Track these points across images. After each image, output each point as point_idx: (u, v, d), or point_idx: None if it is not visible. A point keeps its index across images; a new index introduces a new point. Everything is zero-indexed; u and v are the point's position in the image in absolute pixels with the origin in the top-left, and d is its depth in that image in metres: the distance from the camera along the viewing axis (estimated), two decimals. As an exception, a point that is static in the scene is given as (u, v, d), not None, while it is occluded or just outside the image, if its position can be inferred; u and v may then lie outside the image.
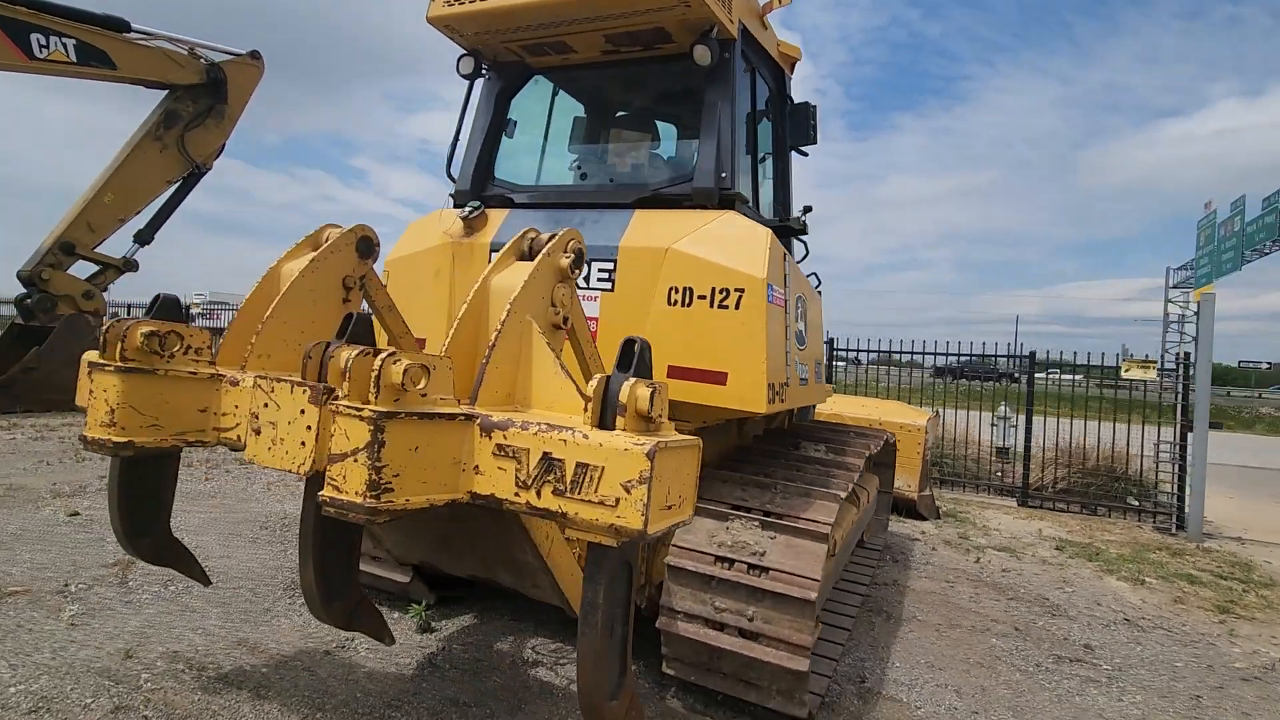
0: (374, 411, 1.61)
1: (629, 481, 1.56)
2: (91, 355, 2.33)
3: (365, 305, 2.79)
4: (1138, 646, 4.19)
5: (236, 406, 2.16)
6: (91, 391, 2.10)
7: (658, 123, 3.90)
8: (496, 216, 3.48)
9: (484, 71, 3.72)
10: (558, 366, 2.04)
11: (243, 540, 4.73)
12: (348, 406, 1.65)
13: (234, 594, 3.80)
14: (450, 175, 3.85)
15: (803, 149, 4.15)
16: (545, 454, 1.65)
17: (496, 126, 3.77)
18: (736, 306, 2.82)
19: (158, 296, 2.56)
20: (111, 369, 2.06)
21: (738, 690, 2.86)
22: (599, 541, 1.65)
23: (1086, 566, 5.93)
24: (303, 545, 2.12)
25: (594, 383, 1.69)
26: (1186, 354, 8.34)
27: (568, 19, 3.19)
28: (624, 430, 1.63)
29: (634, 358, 1.76)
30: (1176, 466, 7.98)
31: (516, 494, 1.69)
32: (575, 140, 4.04)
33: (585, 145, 3.99)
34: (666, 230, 3.03)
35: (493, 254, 3.35)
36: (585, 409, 1.68)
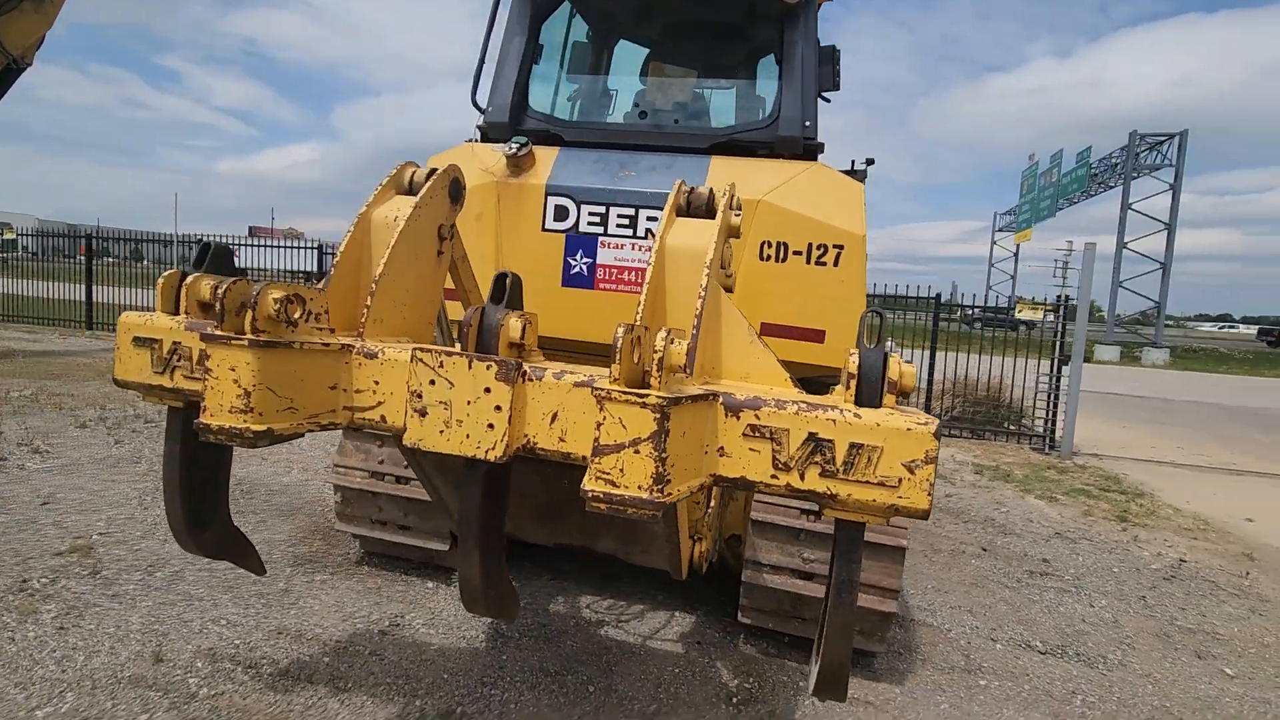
0: (660, 399, 1.45)
1: (913, 462, 1.53)
2: (163, 323, 1.93)
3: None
4: (1077, 557, 4.85)
5: (377, 383, 1.86)
6: (210, 370, 1.71)
7: (719, 61, 3.68)
8: (544, 155, 3.17)
9: None
10: (752, 334, 1.94)
11: (206, 512, 4.19)
12: (623, 393, 1.47)
13: (232, 576, 3.39)
14: (477, 104, 3.43)
15: (825, 95, 4.11)
16: (811, 434, 1.58)
17: (530, 52, 3.39)
18: (835, 264, 2.80)
19: (207, 245, 2.13)
20: (245, 343, 1.68)
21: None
22: (867, 521, 1.63)
23: (1007, 487, 6.73)
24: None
25: (852, 357, 1.63)
26: (1067, 296, 9.47)
27: None
28: (892, 407, 1.59)
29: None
30: (1051, 395, 9.16)
31: (774, 476, 1.61)
32: (620, 73, 3.73)
33: (640, 81, 3.69)
34: (753, 180, 2.91)
35: (549, 198, 3.07)
36: (847, 386, 1.62)
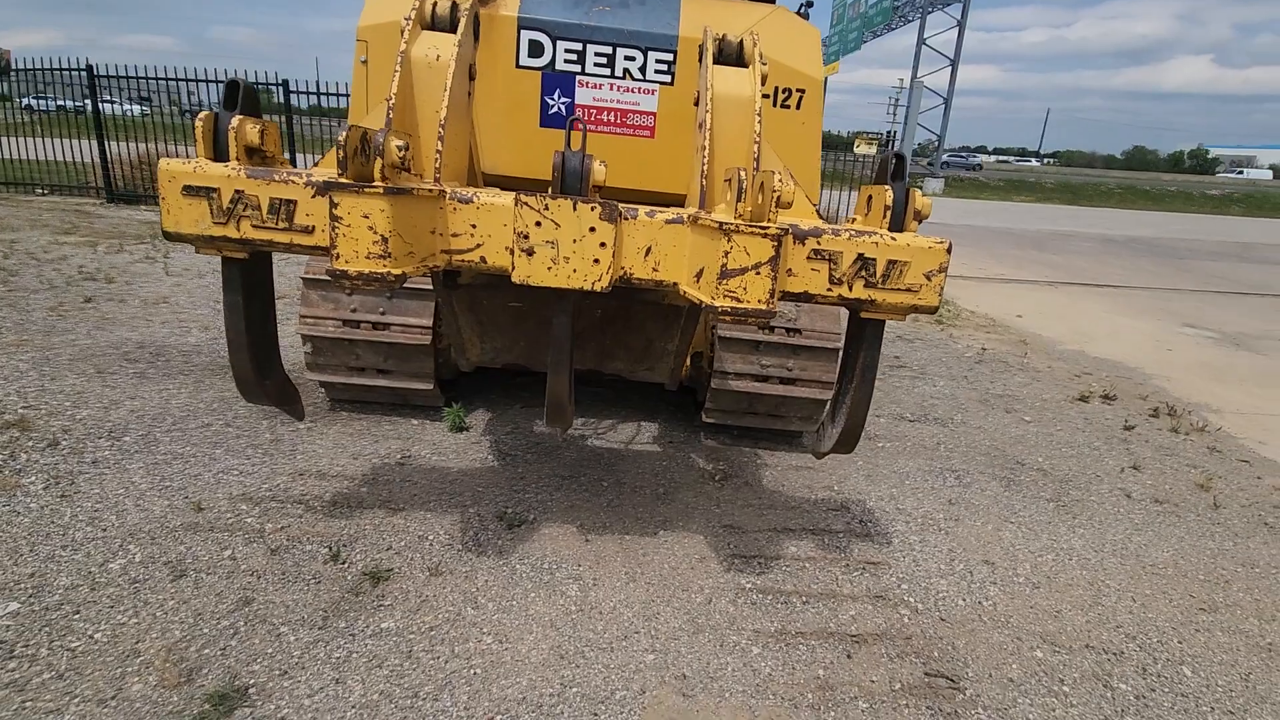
0: (779, 229, 1.79)
1: (930, 271, 2.05)
2: (217, 171, 1.87)
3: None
4: (916, 353, 6.09)
5: (474, 226, 2.00)
6: (339, 219, 1.73)
7: None
8: (509, -17, 3.06)
9: None
10: (788, 175, 2.30)
11: (129, 376, 3.91)
12: (749, 226, 1.79)
13: (210, 432, 3.35)
14: (424, -81, 3.12)
15: None
16: (860, 255, 2.02)
17: None
18: (798, 106, 3.14)
19: (235, 84, 2.02)
20: (380, 191, 1.72)
21: (768, 423, 3.73)
22: (886, 319, 2.16)
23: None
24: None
25: (884, 193, 2.07)
26: (893, 132, 10.58)
27: None
28: (913, 230, 2.08)
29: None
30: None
31: (829, 289, 2.06)
32: None
33: None
34: (724, 19, 3.06)
35: (522, 32, 3.03)
36: (884, 215, 2.07)
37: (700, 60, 2.45)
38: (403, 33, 2.23)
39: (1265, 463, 4.26)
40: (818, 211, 2.70)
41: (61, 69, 10.88)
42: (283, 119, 10.59)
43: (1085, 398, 5.15)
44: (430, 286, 3.31)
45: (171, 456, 3.10)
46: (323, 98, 10.94)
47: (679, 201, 3.07)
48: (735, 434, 3.89)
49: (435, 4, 2.31)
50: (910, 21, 38.69)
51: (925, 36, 36.66)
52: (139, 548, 2.44)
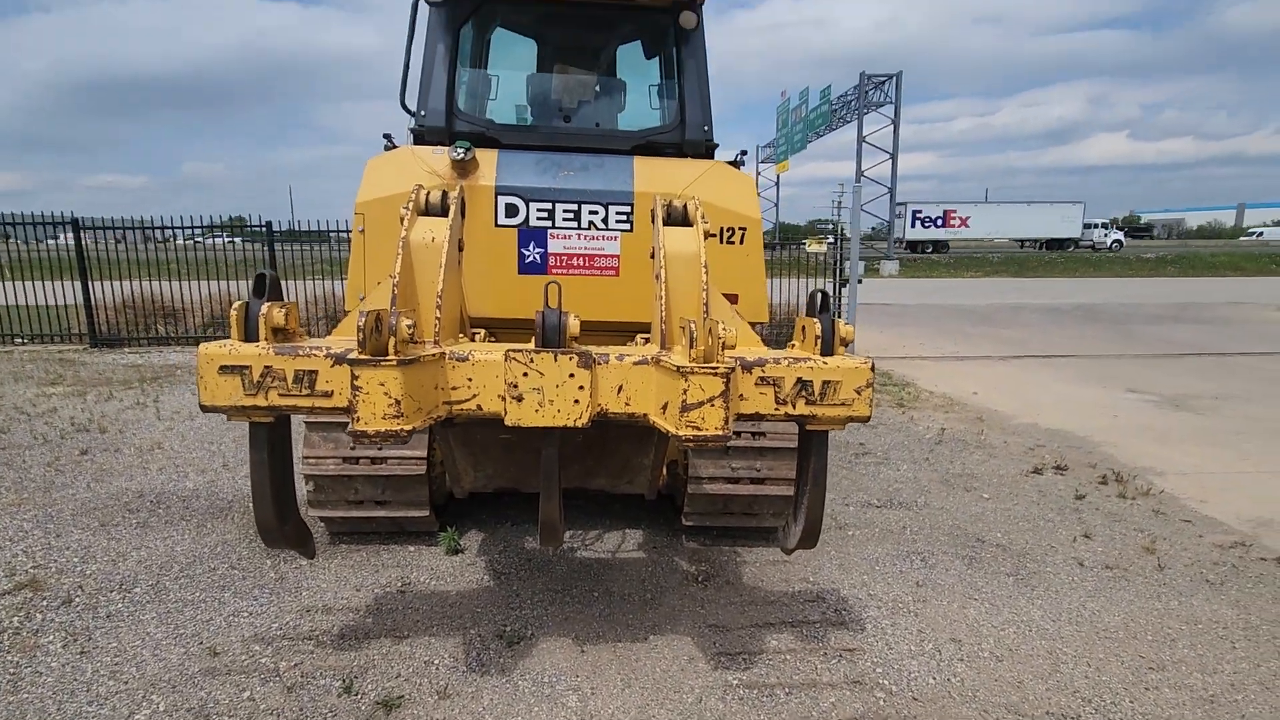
0: (727, 369, 2.16)
1: (859, 387, 2.42)
2: (249, 351, 2.20)
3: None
4: (880, 438, 6.46)
5: (470, 379, 2.34)
6: (360, 388, 2.06)
7: (626, 70, 4.19)
8: (485, 156, 3.55)
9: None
10: (734, 312, 2.70)
11: (133, 526, 4.08)
12: (702, 368, 2.15)
13: (217, 575, 3.52)
14: (406, 108, 3.67)
15: None
16: (799, 378, 2.40)
17: (455, 57, 3.68)
18: (741, 241, 3.62)
19: (263, 275, 2.40)
20: (394, 363, 2.06)
21: (744, 521, 4.00)
22: (828, 429, 2.51)
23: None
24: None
25: (814, 325, 2.47)
26: (842, 228, 11.44)
27: None
28: (841, 354, 2.47)
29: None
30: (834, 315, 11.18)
31: (776, 408, 2.41)
32: (536, 79, 4.10)
33: (555, 85, 4.09)
34: (672, 177, 3.59)
35: (499, 198, 3.51)
36: (815, 343, 2.46)
37: (653, 221, 2.91)
38: (402, 220, 2.66)
39: (1206, 521, 4.60)
40: (763, 334, 3.11)
41: (48, 222, 11.40)
42: (266, 251, 11.18)
43: (1039, 470, 5.51)
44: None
45: (182, 604, 3.25)
46: (301, 227, 11.60)
47: (644, 328, 3.48)
48: (714, 534, 4.14)
49: (428, 194, 2.75)
50: (849, 122, 41.84)
51: (865, 134, 39.58)
52: (161, 697, 2.58)
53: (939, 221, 52.22)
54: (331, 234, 11.58)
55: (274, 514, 2.44)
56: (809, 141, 45.14)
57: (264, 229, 10.96)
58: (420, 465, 3.68)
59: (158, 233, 12.96)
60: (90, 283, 10.79)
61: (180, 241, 12.81)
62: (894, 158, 38.84)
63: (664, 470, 4.00)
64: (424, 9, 3.64)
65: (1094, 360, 10.80)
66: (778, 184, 62.97)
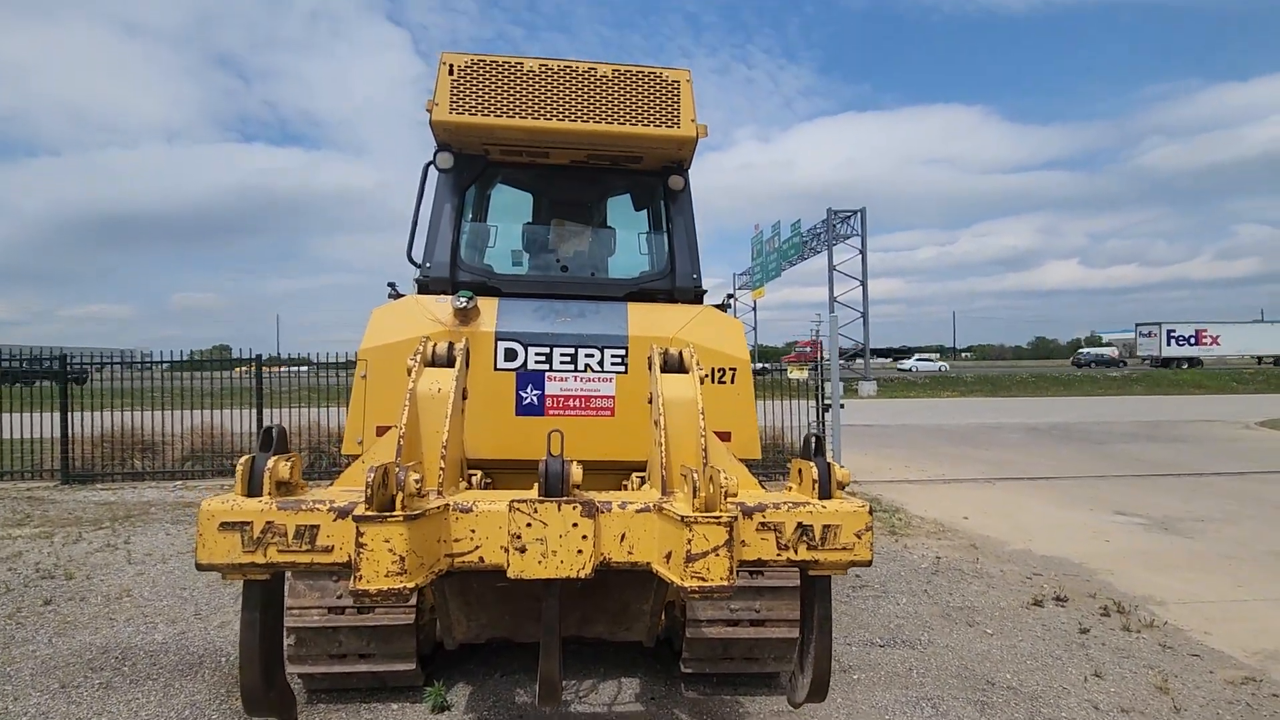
0: (730, 518, 2.19)
1: (859, 530, 2.45)
2: (251, 506, 2.20)
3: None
4: (875, 569, 6.33)
5: (474, 531, 2.33)
6: (364, 545, 2.05)
7: (621, 222, 4.52)
8: (486, 304, 3.72)
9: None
10: (730, 456, 2.77)
11: (95, 688, 3.81)
12: (705, 517, 2.18)
13: (181, 745, 3.26)
14: (413, 260, 3.88)
15: None
16: (799, 523, 2.42)
17: (461, 215, 3.95)
18: (732, 381, 3.75)
19: (270, 430, 2.44)
20: (400, 518, 2.06)
21: (745, 667, 3.84)
22: (830, 574, 2.49)
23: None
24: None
25: (810, 468, 2.53)
26: (823, 355, 11.80)
27: (579, 144, 3.66)
28: (839, 497, 2.51)
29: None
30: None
31: (778, 554, 2.41)
32: (533, 230, 4.39)
33: (551, 236, 4.37)
34: (664, 322, 3.77)
35: (499, 343, 3.64)
36: (812, 488, 2.51)
37: (650, 368, 3.03)
38: (410, 371, 2.74)
39: (1214, 655, 4.50)
40: (756, 468, 3.14)
41: (39, 360, 11.43)
42: (254, 381, 11.23)
43: (1039, 601, 5.41)
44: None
45: (144, 779, 2.99)
46: (288, 358, 11.75)
47: (638, 466, 3.51)
48: (714, 681, 3.95)
49: (435, 345, 2.87)
50: (819, 252, 44.16)
51: (835, 264, 41.66)
52: None
53: (1192, 340, 58.49)
54: (316, 363, 11.74)
55: (260, 678, 2.33)
56: (783, 270, 47.50)
57: (253, 361, 11.05)
58: (409, 614, 3.55)
59: (139, 361, 13.01)
60: (69, 414, 10.65)
61: (163, 370, 12.83)
62: (864, 284, 40.69)
63: (663, 614, 3.88)
64: (433, 172, 3.94)
65: (1077, 481, 10.89)
66: (755, 310, 65.39)
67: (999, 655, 4.46)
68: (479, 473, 3.41)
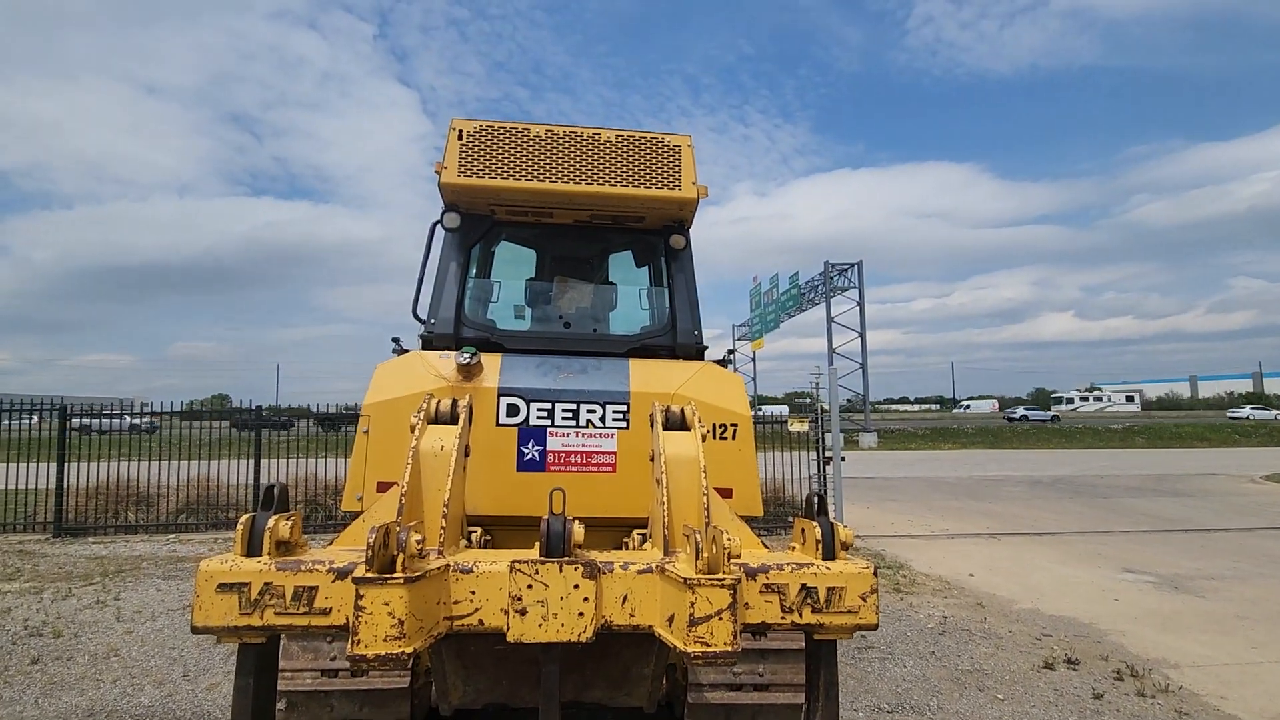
0: (734, 580, 2.16)
1: (864, 593, 2.42)
2: (250, 567, 2.17)
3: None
4: (880, 629, 6.19)
5: (474, 592, 2.30)
6: (363, 608, 2.02)
7: (623, 279, 4.61)
8: (489, 360, 3.75)
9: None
10: (733, 515, 2.75)
11: (75, 756, 3.68)
12: (709, 579, 2.15)
13: (163, 817, 3.14)
14: (418, 316, 3.94)
15: None
16: (803, 585, 2.39)
17: (465, 273, 4.02)
18: (733, 437, 3.75)
19: (272, 488, 2.44)
20: (400, 580, 2.04)
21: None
22: (837, 638, 2.45)
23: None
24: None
25: (813, 528, 2.51)
26: (823, 408, 11.79)
27: (582, 205, 3.77)
28: (843, 558, 2.49)
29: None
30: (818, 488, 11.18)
31: (783, 617, 2.37)
32: (536, 286, 4.47)
33: (554, 293, 4.45)
34: (665, 378, 3.79)
35: (501, 398, 3.65)
36: (816, 548, 2.48)
37: (652, 426, 3.04)
38: (413, 429, 2.75)
39: (1231, 720, 4.37)
40: (758, 527, 3.11)
41: (37, 409, 11.41)
42: (252, 437, 11.18)
43: (1050, 664, 5.27)
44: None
45: None
46: (284, 403, 11.70)
47: (639, 524, 3.48)
48: (718, 750, 3.82)
49: (439, 402, 2.89)
50: (817, 304, 44.58)
51: (833, 315, 42.03)
52: None
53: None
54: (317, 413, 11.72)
55: (253, 748, 2.26)
56: (781, 321, 47.86)
57: (253, 413, 11.04)
58: (404, 678, 3.46)
59: (140, 417, 12.99)
60: (65, 465, 10.58)
61: (158, 428, 12.80)
62: (862, 336, 40.93)
63: (664, 677, 3.78)
64: (440, 230, 4.03)
65: (1083, 537, 10.73)
66: (754, 360, 65.59)
67: (1010, 722, 4.32)
68: (479, 530, 3.37)
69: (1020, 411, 67.45)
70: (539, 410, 3.65)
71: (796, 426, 11.13)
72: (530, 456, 3.63)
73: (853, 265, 41.48)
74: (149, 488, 11.21)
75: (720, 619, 2.18)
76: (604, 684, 3.25)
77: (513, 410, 3.64)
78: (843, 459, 10.88)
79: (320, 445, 12.07)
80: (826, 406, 11.54)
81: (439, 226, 4.02)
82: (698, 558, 2.21)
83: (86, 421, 12.25)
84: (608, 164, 3.86)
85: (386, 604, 2.07)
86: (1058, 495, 15.55)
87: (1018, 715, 4.41)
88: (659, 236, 4.24)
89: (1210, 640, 5.91)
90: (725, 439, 3.76)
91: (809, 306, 46.31)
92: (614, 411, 3.70)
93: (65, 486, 10.54)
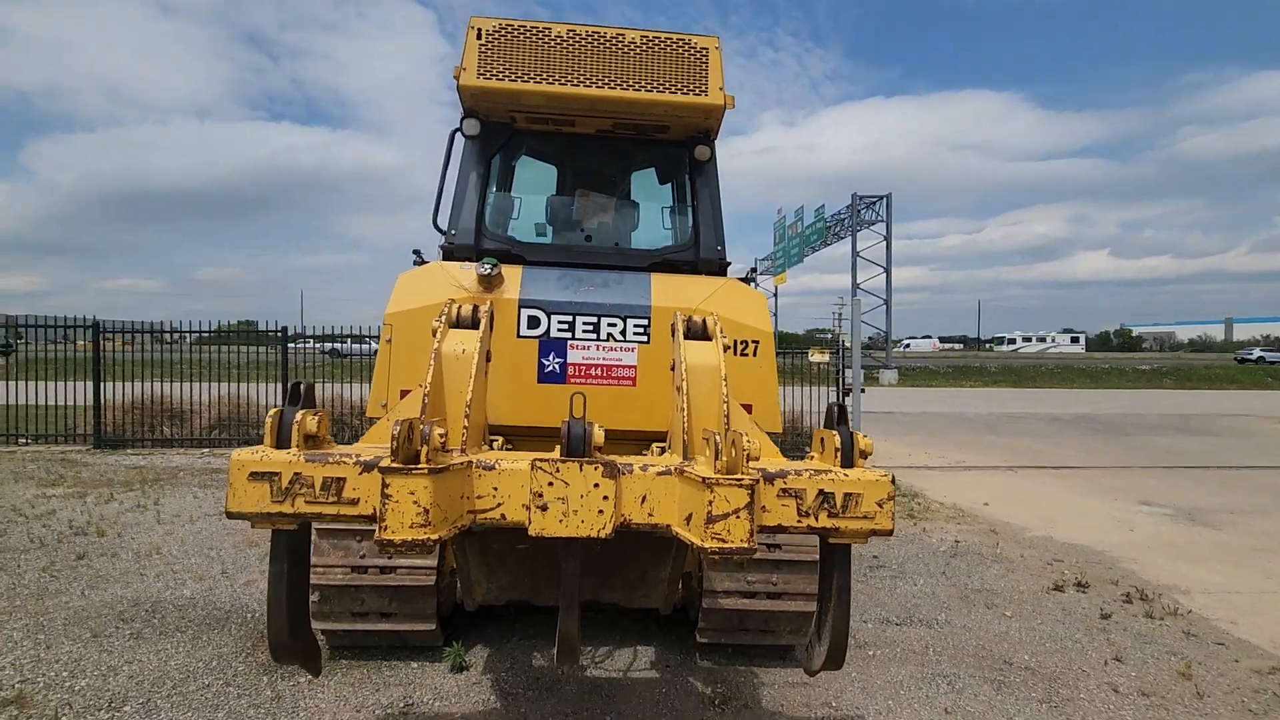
0: (751, 480, 2.18)
1: (881, 499, 2.43)
2: (280, 458, 2.22)
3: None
4: (893, 550, 6.31)
5: (496, 488, 2.35)
6: (389, 496, 2.08)
7: (644, 193, 4.50)
8: (510, 272, 3.72)
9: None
10: (752, 423, 2.75)
11: (126, 638, 3.92)
12: (727, 478, 2.17)
13: (209, 694, 3.36)
14: (438, 227, 3.89)
15: None
16: (820, 490, 2.41)
17: (486, 183, 3.94)
18: (755, 354, 3.73)
19: (298, 384, 2.47)
20: (425, 471, 2.08)
21: (760, 639, 3.85)
22: (851, 543, 2.48)
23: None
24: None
25: (832, 437, 2.51)
26: (845, 345, 11.69)
27: (605, 111, 3.63)
28: (862, 466, 2.49)
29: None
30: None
31: (799, 520, 2.40)
32: (557, 201, 4.38)
33: (575, 207, 4.36)
34: (687, 293, 3.74)
35: (522, 310, 3.64)
36: (835, 455, 2.49)
37: (673, 335, 3.02)
38: (435, 332, 2.76)
39: (1240, 644, 4.42)
40: (778, 442, 3.14)
41: (68, 325, 11.69)
42: (279, 354, 11.42)
43: (1060, 587, 5.35)
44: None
45: (174, 724, 3.09)
46: (312, 332, 11.91)
47: (659, 437, 3.51)
48: (729, 653, 3.97)
49: (460, 307, 2.88)
50: (843, 238, 43.61)
51: (859, 249, 41.16)
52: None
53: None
54: (348, 338, 11.88)
55: (288, 629, 2.37)
56: (805, 255, 46.98)
57: (279, 334, 11.21)
58: (429, 576, 3.60)
59: (169, 335, 13.25)
60: (101, 380, 10.92)
61: (189, 342, 13.07)
62: (888, 272, 40.15)
63: (680, 583, 3.90)
64: (460, 139, 3.93)
65: (1103, 471, 10.71)
66: (776, 295, 64.89)
67: (1017, 637, 4.42)
68: (500, 439, 3.43)
69: (1256, 353, 64.36)
70: (560, 323, 3.64)
71: (817, 357, 11.06)
72: (551, 369, 3.65)
73: (881, 198, 40.27)
74: (182, 404, 11.57)
75: (738, 517, 2.21)
76: (622, 586, 3.35)
77: (533, 322, 3.63)
78: (862, 390, 10.84)
79: (347, 370, 12.29)
80: (849, 345, 11.43)
81: (458, 134, 3.92)
82: (717, 459, 2.22)
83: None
84: (632, 67, 3.70)
85: (412, 493, 2.12)
86: (1079, 432, 15.46)
87: (1024, 630, 4.51)
88: (683, 149, 4.11)
89: (1225, 570, 5.93)
90: (746, 355, 3.73)
91: (834, 241, 45.31)
92: (635, 325, 3.68)
93: (102, 401, 10.90)
